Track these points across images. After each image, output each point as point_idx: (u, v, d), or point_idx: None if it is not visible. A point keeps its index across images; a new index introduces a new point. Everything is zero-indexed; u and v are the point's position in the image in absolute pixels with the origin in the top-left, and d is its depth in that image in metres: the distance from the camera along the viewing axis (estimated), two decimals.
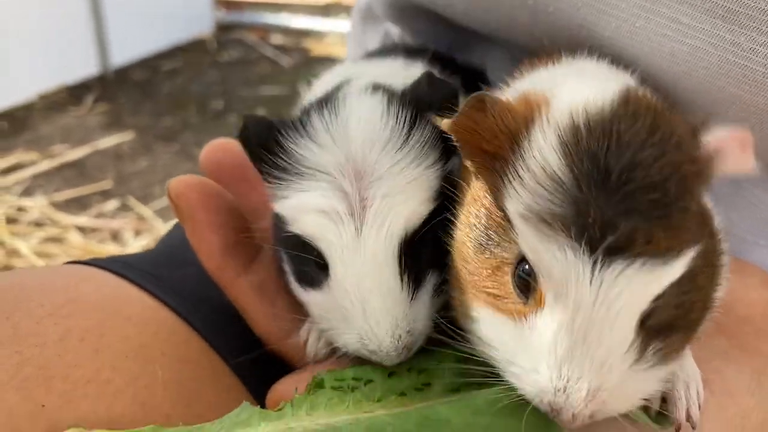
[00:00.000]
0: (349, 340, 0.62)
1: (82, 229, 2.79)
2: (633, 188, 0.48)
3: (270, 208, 0.68)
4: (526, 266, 0.53)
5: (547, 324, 0.52)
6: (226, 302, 0.74)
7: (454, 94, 0.66)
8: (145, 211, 2.89)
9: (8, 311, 0.65)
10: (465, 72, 0.88)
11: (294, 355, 0.72)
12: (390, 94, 0.67)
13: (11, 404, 0.58)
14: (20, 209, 2.87)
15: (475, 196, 0.59)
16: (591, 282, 0.49)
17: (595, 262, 0.49)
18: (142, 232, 2.78)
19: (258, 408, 0.61)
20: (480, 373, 0.57)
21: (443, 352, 0.63)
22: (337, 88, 0.72)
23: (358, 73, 0.77)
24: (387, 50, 0.87)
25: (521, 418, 0.55)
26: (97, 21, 3.90)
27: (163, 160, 3.27)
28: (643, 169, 0.49)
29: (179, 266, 0.84)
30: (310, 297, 0.65)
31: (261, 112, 3.69)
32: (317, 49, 4.52)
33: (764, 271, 0.74)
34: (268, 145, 0.65)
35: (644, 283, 0.49)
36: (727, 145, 0.53)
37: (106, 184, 3.07)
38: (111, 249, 2.66)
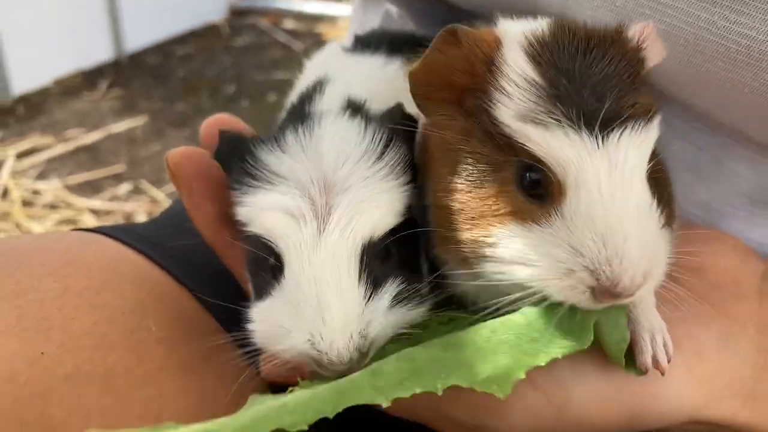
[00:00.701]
0: (297, 340, 0.59)
1: (95, 212, 2.83)
2: (595, 80, 0.57)
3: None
4: (533, 173, 0.58)
5: (577, 204, 0.56)
6: (220, 268, 0.77)
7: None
8: (158, 194, 2.93)
9: (12, 269, 0.69)
10: None
11: None
12: (366, 117, 0.68)
13: (11, 350, 0.61)
14: (35, 192, 2.91)
15: (451, 145, 0.62)
16: (600, 153, 0.55)
17: (597, 136, 0.55)
18: (154, 215, 2.80)
19: (268, 395, 0.58)
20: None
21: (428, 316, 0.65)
22: (315, 88, 0.74)
23: (336, 73, 0.78)
24: (372, 40, 0.88)
25: (547, 323, 0.57)
26: (112, 7, 3.94)
27: (175, 144, 3.30)
28: (596, 65, 0.57)
29: (177, 234, 0.87)
30: (257, 310, 0.63)
31: (273, 96, 3.72)
32: (330, 33, 4.53)
33: (737, 239, 0.76)
34: (240, 155, 0.65)
35: (639, 141, 0.57)
36: (645, 35, 0.62)
37: (120, 168, 3.11)
38: None
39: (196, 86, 3.88)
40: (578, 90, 0.56)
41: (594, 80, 0.57)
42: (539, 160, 0.57)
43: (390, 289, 0.62)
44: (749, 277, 0.72)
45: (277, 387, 0.74)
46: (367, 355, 0.60)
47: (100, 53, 3.99)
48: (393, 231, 0.63)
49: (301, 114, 0.69)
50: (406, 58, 0.81)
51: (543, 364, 0.56)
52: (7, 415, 0.58)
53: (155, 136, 3.39)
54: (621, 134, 0.56)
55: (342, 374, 0.58)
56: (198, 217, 0.75)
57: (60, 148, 3.21)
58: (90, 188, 2.98)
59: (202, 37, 4.50)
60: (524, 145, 0.57)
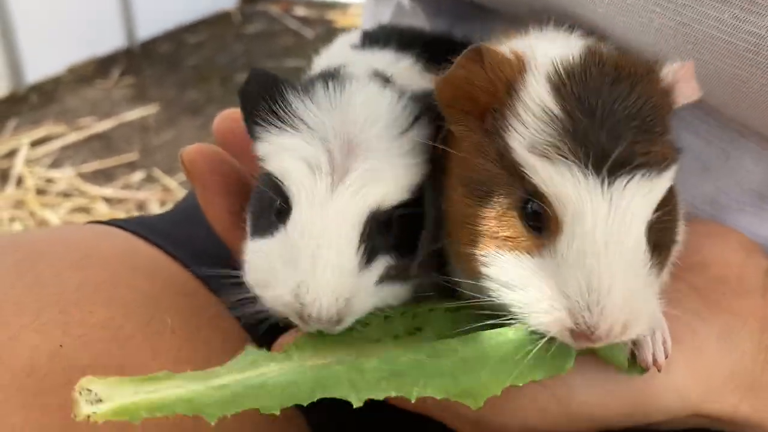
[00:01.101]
0: (282, 290, 0.60)
1: (108, 200, 2.86)
2: (616, 119, 0.55)
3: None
4: (534, 204, 0.58)
5: (571, 243, 0.56)
6: (232, 258, 0.79)
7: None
8: (170, 182, 2.95)
9: (32, 262, 0.71)
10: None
11: None
12: (400, 89, 0.68)
13: (32, 344, 0.62)
14: (49, 180, 2.94)
15: (467, 157, 0.62)
16: (603, 196, 0.55)
17: (603, 179, 0.54)
18: (167, 203, 2.84)
19: (264, 351, 0.61)
20: (472, 322, 0.61)
21: (433, 302, 0.66)
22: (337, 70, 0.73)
23: (353, 62, 0.78)
24: (381, 36, 0.89)
25: (533, 346, 0.57)
26: None
27: (187, 132, 3.33)
28: (620, 102, 0.56)
29: (191, 226, 0.88)
30: (255, 245, 0.64)
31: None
32: (341, 20, 4.53)
33: (743, 235, 0.77)
34: (269, 95, 0.66)
35: (646, 191, 0.56)
36: (680, 76, 0.61)
37: (132, 156, 3.13)
38: None
39: (208, 74, 3.89)
40: (595, 128, 0.55)
41: (614, 119, 0.55)
42: (541, 194, 0.57)
43: (380, 265, 0.63)
44: (753, 272, 0.72)
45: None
46: (342, 323, 0.60)
47: (113, 41, 4.01)
48: (399, 206, 0.64)
49: (330, 74, 0.69)
50: (416, 56, 0.82)
51: (520, 384, 0.58)
52: (29, 408, 0.59)
53: (167, 124, 3.41)
54: (629, 181, 0.55)
55: (318, 333, 0.60)
56: (211, 212, 0.76)
57: (73, 137, 3.24)
58: (103, 176, 3.01)
59: (214, 24, 4.51)
60: (530, 175, 0.57)
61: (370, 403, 0.68)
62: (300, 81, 0.70)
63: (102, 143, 3.24)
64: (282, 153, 0.63)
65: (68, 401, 0.61)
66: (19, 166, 2.99)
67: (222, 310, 0.80)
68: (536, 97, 0.57)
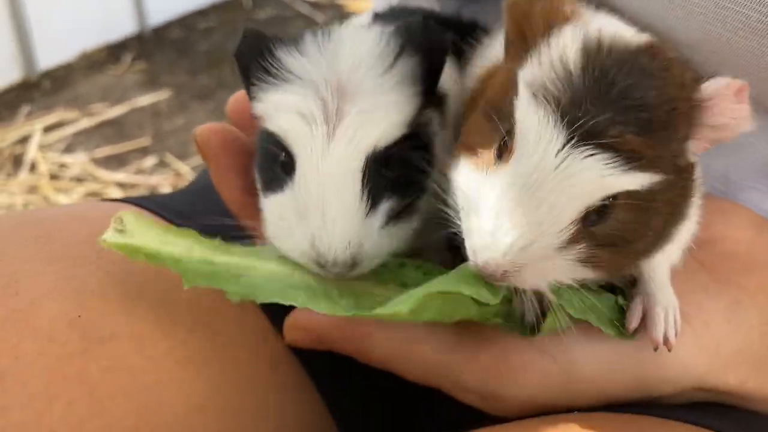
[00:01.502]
0: (299, 241, 0.64)
1: (121, 185, 2.87)
2: (628, 104, 0.54)
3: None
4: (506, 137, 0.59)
5: (504, 176, 0.57)
6: (245, 236, 0.80)
7: (444, 45, 0.69)
8: (182, 167, 2.97)
9: (50, 237, 0.72)
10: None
11: None
12: (383, 26, 0.70)
13: (52, 313, 0.64)
14: (62, 166, 2.96)
15: (498, 86, 0.64)
16: (557, 153, 0.54)
17: (569, 139, 0.54)
18: (179, 188, 2.85)
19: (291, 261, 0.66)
20: None
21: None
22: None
23: None
24: (391, 18, 0.89)
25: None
26: None
27: (199, 118, 3.33)
28: (641, 92, 0.55)
29: (204, 203, 0.90)
30: (269, 201, 0.67)
31: None
32: (351, 5, 4.52)
33: (752, 211, 0.77)
34: (259, 53, 0.68)
35: (602, 174, 0.54)
36: (721, 92, 0.57)
37: (145, 142, 3.14)
38: None
39: (219, 59, 3.89)
40: (595, 101, 0.54)
41: (619, 104, 0.54)
42: (511, 129, 0.58)
43: (385, 206, 0.65)
44: (762, 249, 0.73)
45: (302, 352, 0.77)
46: (358, 266, 0.64)
47: (124, 27, 4.02)
48: (396, 143, 0.65)
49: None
50: None
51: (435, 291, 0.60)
52: (52, 371, 0.61)
53: (179, 109, 3.42)
54: (591, 154, 0.54)
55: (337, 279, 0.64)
56: (225, 190, 0.77)
57: (85, 122, 3.25)
58: (116, 161, 3.02)
59: (225, 10, 4.51)
60: (516, 108, 0.58)
61: (381, 377, 0.70)
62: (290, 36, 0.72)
63: (114, 129, 3.26)
64: (277, 110, 0.65)
65: (87, 369, 0.63)
66: (32, 151, 3.01)
67: None
68: (563, 47, 0.57)
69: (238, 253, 0.67)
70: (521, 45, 0.62)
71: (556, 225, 0.56)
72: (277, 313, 0.77)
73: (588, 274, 0.59)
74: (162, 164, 3.01)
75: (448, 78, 0.75)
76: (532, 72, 0.58)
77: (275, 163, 0.67)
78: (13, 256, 0.67)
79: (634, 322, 0.64)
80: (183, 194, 0.97)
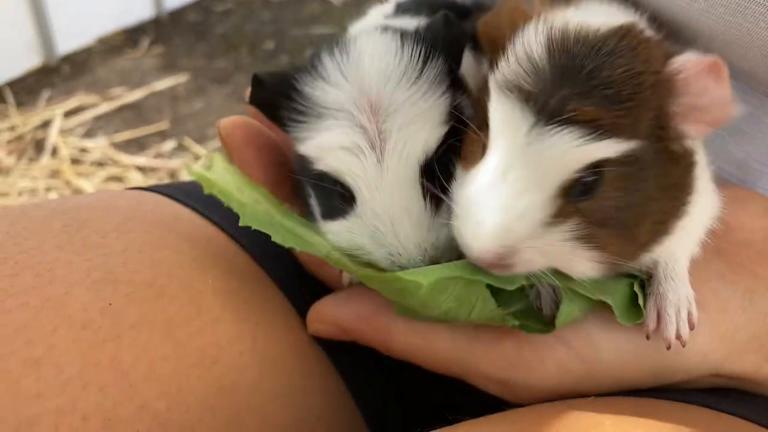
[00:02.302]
0: (380, 257, 0.66)
1: (141, 169, 2.90)
2: (594, 83, 0.56)
3: (292, 149, 0.73)
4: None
5: (480, 170, 0.60)
6: None
7: (464, 37, 0.70)
8: (201, 151, 2.98)
9: (79, 226, 0.73)
10: None
11: (332, 280, 0.79)
12: (402, 32, 0.70)
13: (84, 301, 0.66)
14: (83, 150, 2.99)
15: (483, 95, 0.65)
16: (526, 134, 0.57)
17: (535, 122, 0.57)
18: None
19: None
20: None
21: None
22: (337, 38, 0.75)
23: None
24: (413, 6, 0.89)
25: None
26: None
27: (217, 101, 3.35)
28: (607, 71, 0.56)
29: None
30: (335, 227, 0.69)
31: (312, 51, 3.72)
32: None
33: None
34: (284, 93, 0.69)
35: (569, 147, 0.56)
36: (691, 66, 0.58)
37: (163, 125, 3.16)
38: None
39: (236, 42, 3.90)
40: (561, 83, 0.57)
41: (587, 85, 0.56)
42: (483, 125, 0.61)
43: (445, 207, 0.66)
44: None
45: (329, 343, 0.79)
46: (439, 261, 0.66)
47: (141, 11, 4.03)
48: (440, 145, 0.67)
49: (332, 45, 0.71)
50: None
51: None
52: (85, 357, 0.63)
53: (197, 93, 3.43)
54: (556, 131, 0.56)
55: None
56: None
57: (105, 107, 3.28)
58: (135, 145, 3.05)
59: None
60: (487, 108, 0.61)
61: (402, 368, 0.72)
62: (307, 62, 0.72)
63: (133, 113, 3.28)
64: (322, 151, 0.67)
65: (119, 355, 0.65)
66: (53, 136, 3.04)
67: (259, 271, 0.83)
68: (528, 42, 0.60)
69: (298, 221, 0.71)
70: (497, 56, 0.63)
71: (534, 202, 0.58)
72: (303, 303, 0.79)
73: (593, 257, 0.60)
74: (181, 148, 3.03)
75: (466, 64, 0.76)
76: (500, 72, 0.60)
77: (332, 195, 0.68)
78: (45, 246, 0.69)
79: (651, 324, 0.65)
80: None
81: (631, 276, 0.67)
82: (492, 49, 0.65)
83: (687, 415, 0.65)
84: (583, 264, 0.60)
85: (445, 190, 0.66)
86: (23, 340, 0.61)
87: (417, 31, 0.70)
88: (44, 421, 0.59)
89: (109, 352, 0.64)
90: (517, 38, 0.61)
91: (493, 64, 0.64)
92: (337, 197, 0.68)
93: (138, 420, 0.63)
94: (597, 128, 0.56)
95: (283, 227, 0.69)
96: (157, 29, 4.02)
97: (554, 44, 0.58)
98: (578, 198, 0.58)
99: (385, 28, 0.71)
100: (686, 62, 0.59)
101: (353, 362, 0.83)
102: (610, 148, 0.57)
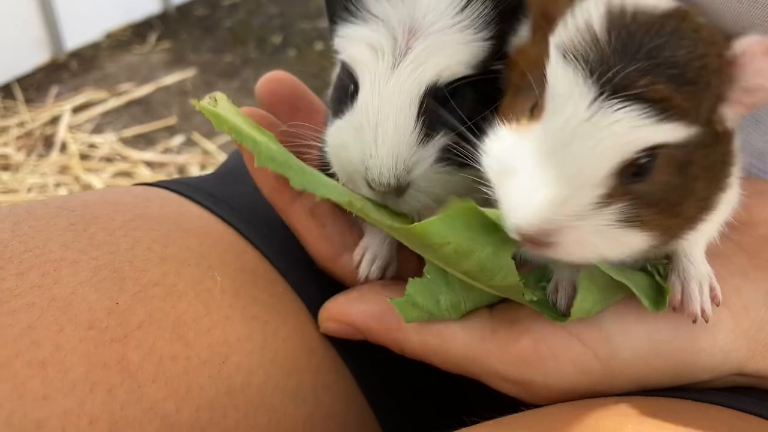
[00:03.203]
0: (353, 156, 0.67)
1: (150, 164, 2.90)
2: (657, 62, 0.54)
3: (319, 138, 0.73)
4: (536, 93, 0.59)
5: (535, 135, 0.57)
6: (278, 217, 0.80)
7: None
8: (209, 145, 2.99)
9: (86, 224, 0.72)
10: None
11: (345, 275, 0.77)
12: None
13: (91, 300, 0.65)
14: (92, 146, 3.00)
15: (529, 56, 0.64)
16: (588, 107, 0.54)
17: (599, 94, 0.54)
18: (207, 166, 2.88)
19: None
20: None
21: None
22: None
23: None
24: None
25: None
26: None
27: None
28: (670, 50, 0.54)
29: (235, 185, 0.90)
30: (332, 125, 0.71)
31: (320, 45, 3.72)
32: None
33: None
34: None
35: (634, 125, 0.54)
36: (753, 48, 0.56)
37: (172, 120, 3.17)
38: None
39: (244, 37, 3.89)
40: (622, 60, 0.54)
41: (648, 62, 0.54)
42: (542, 90, 0.58)
43: (439, 140, 0.66)
44: None
45: (341, 341, 0.78)
46: (404, 190, 0.66)
47: (148, 6, 4.03)
48: (459, 82, 0.67)
49: None
50: None
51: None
52: (91, 358, 0.62)
53: (205, 88, 3.43)
54: (620, 107, 0.54)
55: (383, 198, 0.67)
56: (259, 176, 0.77)
57: (113, 102, 3.28)
58: (144, 141, 3.05)
59: None
60: (546, 69, 0.58)
61: (415, 368, 0.70)
62: None
63: (141, 108, 3.28)
64: (351, 41, 0.69)
65: (126, 356, 0.64)
66: (62, 132, 3.04)
67: (269, 268, 0.81)
68: (588, 14, 0.57)
69: (313, 169, 0.69)
70: (547, 26, 0.61)
71: (590, 179, 0.55)
72: (314, 300, 0.77)
73: (636, 237, 0.57)
74: (189, 143, 3.03)
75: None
76: (561, 36, 0.57)
77: (345, 92, 0.70)
78: (51, 244, 0.68)
79: (677, 296, 0.63)
80: (214, 177, 0.97)
81: (645, 270, 0.66)
82: (542, 17, 0.63)
83: (709, 415, 0.64)
84: (625, 246, 0.58)
85: (442, 130, 0.66)
86: (29, 340, 0.60)
87: None
88: (51, 423, 0.58)
89: (116, 352, 0.63)
90: (575, 8, 0.58)
91: (543, 34, 0.61)
92: (347, 95, 0.70)
93: (146, 422, 0.62)
94: (666, 109, 0.54)
95: (302, 170, 0.67)
96: (165, 24, 4.02)
97: (615, 18, 0.56)
98: (631, 179, 0.56)
99: None
100: (748, 44, 0.56)
101: (366, 361, 0.82)
102: (674, 132, 0.54)
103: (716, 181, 0.60)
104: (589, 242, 0.56)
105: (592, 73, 0.54)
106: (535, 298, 0.65)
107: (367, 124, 0.66)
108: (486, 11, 0.68)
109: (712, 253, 0.68)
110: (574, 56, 0.55)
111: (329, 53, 0.77)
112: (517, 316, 0.68)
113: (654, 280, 0.65)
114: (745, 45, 0.56)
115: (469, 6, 0.67)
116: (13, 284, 0.63)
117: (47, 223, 0.71)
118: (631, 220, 0.56)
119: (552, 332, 0.65)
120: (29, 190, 2.73)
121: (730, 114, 0.58)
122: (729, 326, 0.65)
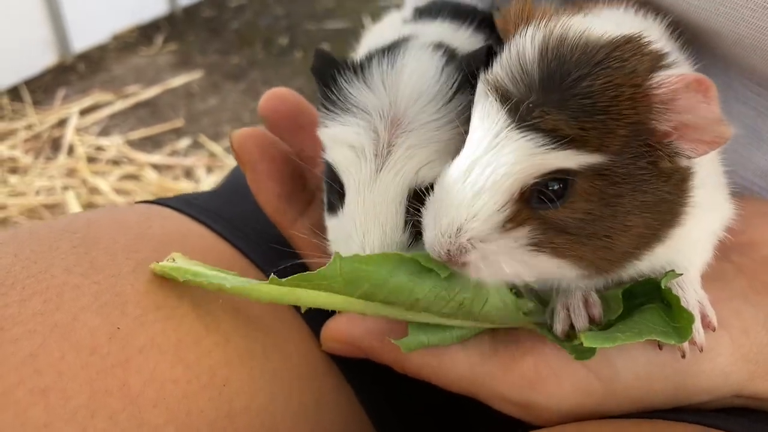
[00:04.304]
0: None
1: (156, 167, 2.91)
2: (575, 92, 0.56)
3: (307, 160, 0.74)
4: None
5: (449, 168, 0.62)
6: (280, 235, 0.80)
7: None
8: (216, 148, 2.99)
9: (87, 247, 0.73)
10: None
11: None
12: (450, 54, 0.70)
13: (92, 326, 0.65)
14: (99, 148, 3.00)
15: None
16: (495, 135, 0.58)
17: (507, 125, 0.58)
18: (213, 169, 2.88)
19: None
20: None
21: None
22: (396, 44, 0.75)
23: (413, 34, 0.79)
24: (433, 9, 0.88)
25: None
26: None
27: (231, 98, 3.35)
28: (590, 80, 0.56)
29: (238, 203, 0.90)
30: (329, 223, 0.71)
31: (326, 47, 3.72)
32: None
33: None
34: (326, 79, 0.71)
35: (528, 153, 0.57)
36: (673, 83, 0.56)
37: (178, 123, 3.17)
38: (184, 185, 2.77)
39: (250, 38, 3.89)
40: (541, 89, 0.57)
41: (567, 93, 0.56)
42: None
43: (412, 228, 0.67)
44: None
45: (343, 360, 0.78)
46: None
47: (155, 8, 4.04)
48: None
49: (387, 48, 0.73)
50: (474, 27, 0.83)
51: None
52: (93, 384, 0.62)
53: (212, 89, 3.44)
54: (521, 133, 0.57)
55: None
56: (262, 196, 0.78)
57: (120, 104, 3.29)
58: (150, 143, 3.06)
59: None
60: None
61: (417, 387, 0.70)
62: (359, 59, 0.74)
63: (148, 110, 3.29)
64: (334, 142, 0.69)
65: (128, 381, 0.64)
66: (69, 134, 3.05)
67: None
68: (522, 44, 0.60)
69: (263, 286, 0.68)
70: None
71: (488, 204, 0.58)
72: (316, 319, 0.78)
73: (547, 262, 0.59)
74: (196, 145, 3.04)
75: None
76: (492, 71, 0.61)
77: (333, 190, 0.70)
78: (54, 269, 0.68)
79: None
80: (216, 194, 0.97)
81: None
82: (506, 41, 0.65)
83: None
84: (537, 269, 0.60)
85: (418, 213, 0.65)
86: (31, 369, 0.61)
87: (462, 57, 0.70)
88: None
89: (117, 378, 0.63)
90: (515, 38, 0.61)
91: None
92: (336, 195, 0.70)
93: None
94: (559, 138, 0.56)
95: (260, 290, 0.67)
96: (171, 26, 4.03)
97: (547, 49, 0.58)
98: (540, 205, 0.58)
99: (438, 46, 0.72)
100: (667, 77, 0.56)
101: (367, 378, 0.82)
102: (571, 159, 0.56)
103: (663, 216, 0.60)
104: (495, 263, 0.59)
105: (504, 103, 0.58)
106: (532, 320, 0.65)
107: (355, 233, 0.67)
108: (469, 102, 0.67)
109: (712, 276, 0.68)
110: (495, 90, 0.59)
111: (336, 55, 0.77)
112: (518, 337, 0.68)
113: (663, 315, 0.65)
114: (662, 77, 0.57)
115: (453, 99, 0.68)
116: (16, 311, 0.64)
117: (50, 247, 0.71)
118: (542, 245, 0.59)
119: (553, 353, 0.66)
120: (37, 192, 2.74)
121: (689, 151, 0.58)
122: (729, 349, 0.65)
